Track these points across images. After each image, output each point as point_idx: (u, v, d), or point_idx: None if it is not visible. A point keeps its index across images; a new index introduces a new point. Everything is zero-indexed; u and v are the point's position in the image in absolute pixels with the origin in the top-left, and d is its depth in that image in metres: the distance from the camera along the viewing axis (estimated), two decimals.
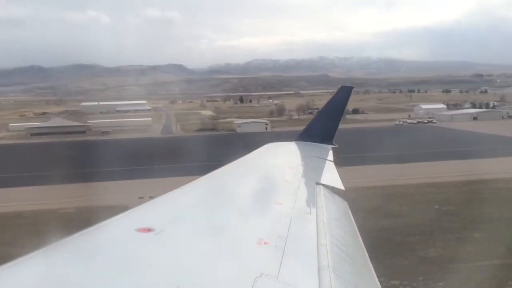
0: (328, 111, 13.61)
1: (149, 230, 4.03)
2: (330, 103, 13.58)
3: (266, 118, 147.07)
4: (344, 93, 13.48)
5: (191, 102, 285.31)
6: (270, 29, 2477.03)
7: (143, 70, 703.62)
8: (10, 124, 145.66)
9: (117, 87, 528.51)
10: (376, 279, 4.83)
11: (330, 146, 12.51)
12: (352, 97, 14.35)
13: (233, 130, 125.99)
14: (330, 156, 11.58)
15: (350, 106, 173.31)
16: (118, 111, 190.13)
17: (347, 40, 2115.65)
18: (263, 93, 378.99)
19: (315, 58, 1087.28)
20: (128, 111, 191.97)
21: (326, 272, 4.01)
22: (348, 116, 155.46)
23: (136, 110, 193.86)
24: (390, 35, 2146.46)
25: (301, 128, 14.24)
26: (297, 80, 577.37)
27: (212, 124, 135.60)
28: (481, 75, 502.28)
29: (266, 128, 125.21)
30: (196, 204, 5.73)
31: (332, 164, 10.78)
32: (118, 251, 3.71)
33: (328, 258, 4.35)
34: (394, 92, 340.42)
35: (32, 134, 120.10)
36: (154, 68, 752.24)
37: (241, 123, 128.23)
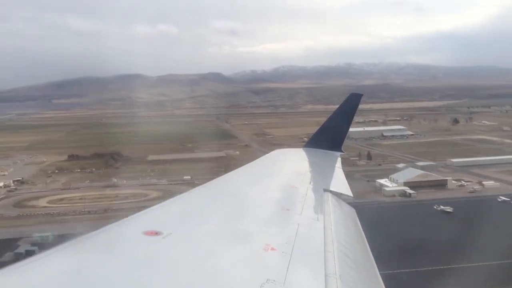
0: (338, 118, 13.36)
1: (156, 233, 4.02)
2: (339, 110, 13.39)
3: None
4: (353, 100, 13.37)
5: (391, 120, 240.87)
6: (290, 35, 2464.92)
7: (194, 80, 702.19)
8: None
9: (186, 98, 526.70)
10: (383, 287, 4.83)
11: (339, 153, 12.53)
12: None
13: None
14: (339, 163, 11.58)
15: None
16: (384, 137, 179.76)
17: (368, 46, 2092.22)
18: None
19: (342, 64, 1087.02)
20: (393, 136, 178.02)
21: (333, 279, 3.98)
22: None
23: (402, 136, 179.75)
24: (411, 40, 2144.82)
25: None
26: (363, 88, 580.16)
27: None
28: None
29: None
30: (203, 209, 5.76)
31: (341, 171, 10.74)
32: (125, 254, 3.69)
33: (335, 265, 4.35)
34: None
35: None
36: (201, 77, 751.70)
37: None
